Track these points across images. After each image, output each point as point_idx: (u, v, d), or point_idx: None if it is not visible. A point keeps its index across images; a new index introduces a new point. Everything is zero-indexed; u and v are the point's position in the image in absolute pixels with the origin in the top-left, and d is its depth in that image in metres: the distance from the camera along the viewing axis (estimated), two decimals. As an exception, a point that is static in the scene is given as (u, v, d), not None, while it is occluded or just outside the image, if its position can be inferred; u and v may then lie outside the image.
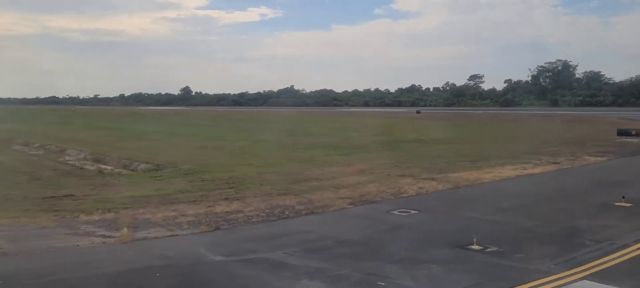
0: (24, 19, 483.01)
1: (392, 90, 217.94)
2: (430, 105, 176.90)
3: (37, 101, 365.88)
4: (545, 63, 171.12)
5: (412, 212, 14.56)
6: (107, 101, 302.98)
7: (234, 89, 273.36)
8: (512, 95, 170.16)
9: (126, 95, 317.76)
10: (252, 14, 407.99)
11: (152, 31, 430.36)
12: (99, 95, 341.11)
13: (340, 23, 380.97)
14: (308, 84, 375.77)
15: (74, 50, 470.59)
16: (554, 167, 23.81)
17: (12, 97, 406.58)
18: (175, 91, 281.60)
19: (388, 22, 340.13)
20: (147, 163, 28.99)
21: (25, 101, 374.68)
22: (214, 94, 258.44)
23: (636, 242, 11.08)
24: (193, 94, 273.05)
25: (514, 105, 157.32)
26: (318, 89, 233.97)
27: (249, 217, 13.98)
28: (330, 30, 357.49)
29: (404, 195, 17.18)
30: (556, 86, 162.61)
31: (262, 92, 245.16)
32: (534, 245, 11.08)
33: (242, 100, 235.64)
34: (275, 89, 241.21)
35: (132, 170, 28.11)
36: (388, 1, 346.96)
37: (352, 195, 17.04)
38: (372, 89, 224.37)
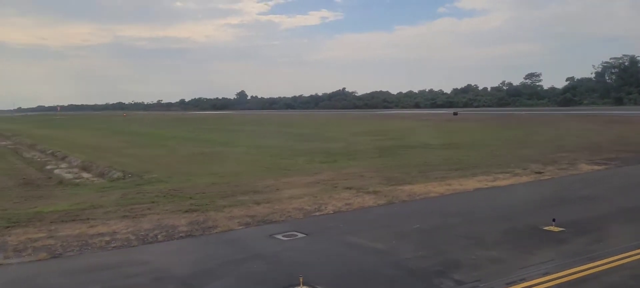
0: (98, 29, 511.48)
1: (448, 90, 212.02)
2: (482, 106, 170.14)
3: (105, 107, 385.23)
4: (610, 58, 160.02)
5: (299, 235, 12.71)
6: (167, 106, 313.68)
7: (290, 93, 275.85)
8: (572, 93, 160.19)
9: (186, 100, 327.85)
10: (313, 18, 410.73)
11: (216, 37, 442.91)
12: (162, 100, 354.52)
13: (402, 24, 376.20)
14: (362, 87, 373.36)
15: (143, 58, 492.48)
16: (531, 178, 20.98)
17: (85, 103, 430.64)
18: (232, 95, 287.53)
19: (451, 21, 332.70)
20: (121, 171, 28.49)
21: (95, 107, 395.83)
22: (268, 98, 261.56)
23: (507, 285, 8.79)
24: (248, 97, 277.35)
25: (573, 104, 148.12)
26: (371, 91, 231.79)
27: (108, 242, 12.59)
28: (392, 31, 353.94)
29: (318, 213, 15.28)
30: (622, 83, 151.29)
31: (314, 94, 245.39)
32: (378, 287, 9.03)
33: (294, 103, 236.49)
34: (328, 91, 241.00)
35: (105, 179, 27.73)
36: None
37: (259, 213, 15.31)
38: (427, 90, 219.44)
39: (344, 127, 66.21)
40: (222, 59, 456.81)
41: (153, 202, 17.90)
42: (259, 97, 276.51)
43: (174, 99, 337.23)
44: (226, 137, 54.08)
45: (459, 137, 45.47)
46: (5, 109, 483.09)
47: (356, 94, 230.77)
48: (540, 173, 21.91)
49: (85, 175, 30.23)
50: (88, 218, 15.30)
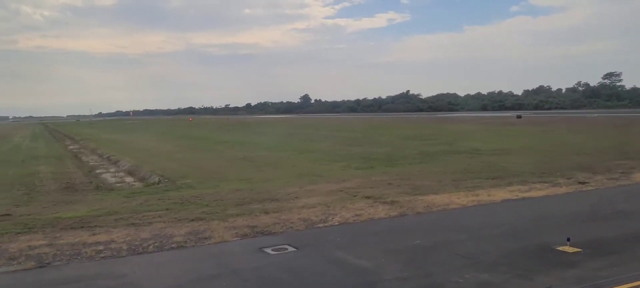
0: (173, 37, 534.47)
1: (518, 92, 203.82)
2: (554, 108, 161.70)
3: (177, 111, 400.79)
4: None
5: (289, 249, 12.12)
6: (234, 110, 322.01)
7: (353, 96, 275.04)
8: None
9: (252, 104, 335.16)
10: (380, 20, 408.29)
11: (283, 42, 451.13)
12: (229, 104, 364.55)
13: (472, 24, 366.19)
14: (428, 89, 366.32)
15: (213, 64, 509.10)
16: (571, 188, 19.17)
17: (158, 108, 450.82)
18: (296, 99, 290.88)
19: (526, 20, 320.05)
20: (160, 176, 29.03)
21: (168, 112, 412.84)
22: (331, 101, 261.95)
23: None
24: (312, 101, 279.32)
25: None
26: (437, 93, 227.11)
27: (99, 252, 12.53)
28: (461, 31, 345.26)
29: (321, 224, 14.59)
30: None
31: (377, 97, 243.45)
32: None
33: (357, 107, 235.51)
34: (393, 94, 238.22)
35: (142, 184, 28.38)
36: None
37: (262, 223, 14.83)
38: (496, 92, 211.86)
39: (398, 131, 64.72)
40: (288, 63, 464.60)
41: (167, 210, 17.89)
42: (323, 100, 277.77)
43: (241, 103, 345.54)
44: (276, 141, 54.22)
45: (514, 141, 43.03)
46: (87, 113, 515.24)
47: (421, 97, 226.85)
48: (584, 183, 20.02)
49: (128, 179, 31.07)
50: (96, 226, 15.44)
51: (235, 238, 13.43)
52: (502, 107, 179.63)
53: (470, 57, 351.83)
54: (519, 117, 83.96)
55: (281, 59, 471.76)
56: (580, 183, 20.11)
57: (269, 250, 12.09)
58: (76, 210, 18.78)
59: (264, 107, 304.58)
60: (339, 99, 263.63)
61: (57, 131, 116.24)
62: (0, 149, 55.08)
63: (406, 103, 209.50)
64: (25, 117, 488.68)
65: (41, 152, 49.83)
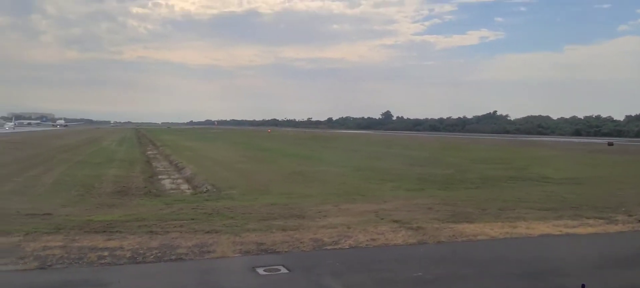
0: (263, 51, 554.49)
1: (619, 117, 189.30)
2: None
3: (261, 123, 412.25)
4: None
5: (281, 270, 11.63)
6: (315, 124, 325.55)
7: (439, 114, 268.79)
8: None
9: (334, 118, 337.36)
10: (471, 38, 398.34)
11: (369, 58, 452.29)
12: (311, 118, 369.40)
13: (574, 43, 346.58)
14: (518, 110, 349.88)
15: (300, 77, 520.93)
16: (627, 227, 16.98)
17: (245, 118, 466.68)
18: (377, 115, 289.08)
19: (635, 40, 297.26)
20: (211, 185, 29.63)
21: (253, 123, 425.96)
22: (413, 119, 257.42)
23: None
24: (394, 118, 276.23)
25: None
26: (526, 115, 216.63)
27: (101, 257, 12.73)
28: (560, 51, 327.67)
29: (330, 246, 13.91)
30: None
31: (462, 117, 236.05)
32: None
33: (440, 125, 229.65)
34: (479, 114, 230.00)
35: (194, 191, 29.10)
36: (636, 16, 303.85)
37: (271, 241, 14.41)
38: (594, 116, 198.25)
39: (472, 153, 61.98)
40: (373, 78, 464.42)
41: (192, 219, 18.01)
42: (405, 117, 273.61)
43: (323, 117, 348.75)
44: (340, 157, 53.84)
45: (592, 171, 39.62)
46: (180, 121, 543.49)
47: (508, 118, 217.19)
48: (644, 222, 17.78)
49: (183, 186, 32.02)
50: (117, 231, 15.76)
51: (237, 255, 13.12)
52: (598, 133, 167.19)
53: (568, 78, 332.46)
54: (610, 144, 77.47)
55: (366, 74, 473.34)
56: (639, 222, 17.87)
57: (260, 270, 11.66)
58: (111, 214, 19.46)
59: (344, 122, 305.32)
60: (422, 117, 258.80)
61: (145, 137, 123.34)
62: (85, 151, 59.09)
63: (492, 124, 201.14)
64: (125, 122, 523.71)
65: (119, 156, 52.80)
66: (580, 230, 16.43)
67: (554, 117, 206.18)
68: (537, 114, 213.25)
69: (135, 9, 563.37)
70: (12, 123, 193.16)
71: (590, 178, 33.74)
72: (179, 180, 34.84)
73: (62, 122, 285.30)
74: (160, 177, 37.00)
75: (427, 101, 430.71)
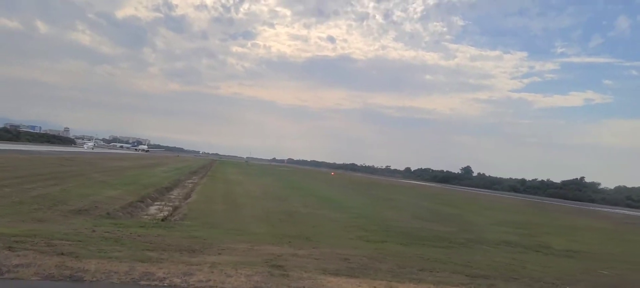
0: (351, 95, 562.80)
1: None
2: None
3: (339, 166, 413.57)
4: None
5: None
6: (391, 172, 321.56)
7: (524, 174, 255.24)
8: None
9: (412, 169, 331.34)
10: (575, 99, 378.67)
11: (461, 111, 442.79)
12: (390, 166, 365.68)
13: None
14: (613, 179, 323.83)
15: (386, 125, 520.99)
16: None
17: (325, 160, 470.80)
18: (457, 169, 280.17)
19: None
20: (184, 215, 29.43)
21: (331, 165, 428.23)
22: (495, 177, 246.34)
23: None
24: (474, 174, 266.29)
25: None
26: (619, 184, 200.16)
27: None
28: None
29: (146, 282, 12.80)
30: None
31: (546, 180, 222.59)
32: None
33: (520, 186, 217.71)
34: (567, 179, 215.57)
35: (162, 218, 29.01)
36: None
37: (103, 268, 13.57)
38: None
39: (509, 216, 57.15)
40: (462, 132, 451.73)
41: (80, 241, 17.53)
42: (487, 174, 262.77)
43: (402, 166, 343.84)
44: (359, 204, 51.98)
45: (609, 246, 35.00)
46: (263, 157, 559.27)
47: (599, 185, 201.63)
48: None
49: (161, 214, 32.03)
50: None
51: (36, 278, 12.40)
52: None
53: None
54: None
55: (456, 127, 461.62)
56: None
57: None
58: (18, 227, 19.44)
59: (422, 173, 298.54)
60: (506, 176, 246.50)
61: (210, 167, 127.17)
62: (122, 173, 61.13)
63: (576, 191, 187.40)
64: (213, 154, 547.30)
65: (147, 181, 53.86)
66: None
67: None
68: (631, 186, 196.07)
69: (235, 48, 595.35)
70: (92, 143, 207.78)
71: (594, 253, 29.57)
72: (167, 207, 34.90)
73: (144, 147, 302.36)
74: (154, 202, 37.37)
75: (515, 160, 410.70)
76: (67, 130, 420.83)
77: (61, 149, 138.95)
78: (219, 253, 17.65)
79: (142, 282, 12.57)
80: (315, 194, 58.82)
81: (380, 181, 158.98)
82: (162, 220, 27.47)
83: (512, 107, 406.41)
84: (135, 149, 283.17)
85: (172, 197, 43.20)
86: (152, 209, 33.36)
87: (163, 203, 37.50)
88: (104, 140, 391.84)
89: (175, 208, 34.69)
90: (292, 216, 33.48)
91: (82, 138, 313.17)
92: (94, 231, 19.61)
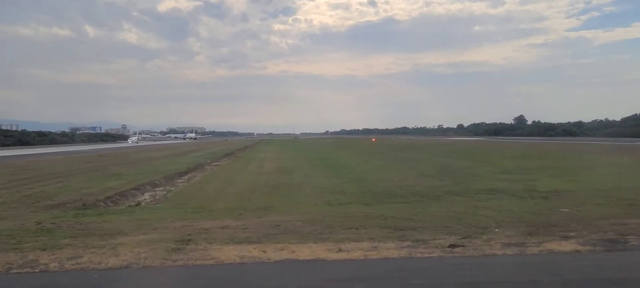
0: (400, 58, 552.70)
1: None
2: None
3: (391, 131, 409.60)
4: None
5: None
6: (444, 131, 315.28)
7: (587, 116, 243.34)
8: None
9: (465, 125, 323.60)
10: (639, 30, 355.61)
11: (515, 59, 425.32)
12: (442, 125, 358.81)
13: None
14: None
15: (437, 84, 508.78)
16: (426, 252, 13.55)
17: (377, 127, 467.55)
18: (510, 120, 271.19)
19: None
20: (170, 196, 30.09)
21: (383, 131, 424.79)
22: (546, 123, 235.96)
23: None
24: (528, 122, 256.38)
25: None
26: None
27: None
28: None
29: (17, 270, 13.14)
30: None
31: (603, 120, 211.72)
32: None
33: (577, 129, 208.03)
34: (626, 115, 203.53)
35: (146, 204, 29.75)
36: None
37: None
38: None
39: (525, 162, 54.55)
40: (519, 81, 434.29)
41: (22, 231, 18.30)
42: (543, 122, 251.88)
43: (454, 124, 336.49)
44: (374, 167, 51.28)
45: (613, 182, 32.82)
46: (316, 132, 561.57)
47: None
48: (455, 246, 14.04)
49: (151, 199, 32.86)
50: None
51: None
52: None
53: None
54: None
55: (511, 76, 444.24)
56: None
57: None
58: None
59: (475, 129, 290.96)
60: (565, 121, 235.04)
61: (250, 148, 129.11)
62: (147, 163, 63.14)
63: (634, 127, 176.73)
64: (266, 134, 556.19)
65: (170, 168, 54.88)
66: (389, 254, 13.50)
67: None
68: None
69: (276, 26, 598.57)
70: (136, 137, 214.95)
71: (580, 191, 27.66)
72: (162, 193, 35.65)
73: (192, 135, 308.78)
74: (154, 188, 38.30)
75: (575, 103, 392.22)
76: (124, 127, 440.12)
77: (105, 146, 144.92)
78: (143, 234, 17.85)
79: (14, 271, 12.91)
80: (329, 164, 58.35)
81: (419, 141, 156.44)
82: (136, 205, 28.12)
83: (570, 48, 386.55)
84: (183, 138, 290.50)
85: (180, 182, 44.08)
86: (146, 196, 34.15)
87: (162, 188, 38.35)
88: (161, 132, 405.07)
89: (168, 192, 35.47)
90: (277, 188, 33.43)
91: (138, 133, 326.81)
92: (39, 224, 20.25)
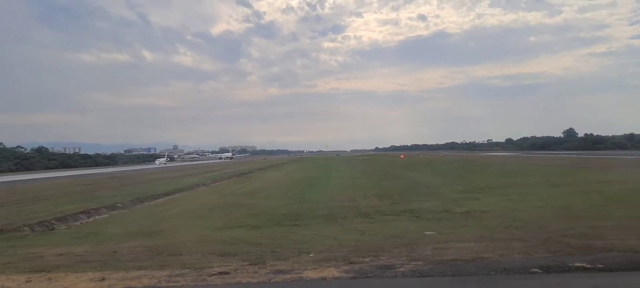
0: (451, 72, 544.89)
1: None
2: None
3: (440, 146, 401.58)
4: None
5: None
6: (491, 146, 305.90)
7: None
8: None
9: (514, 139, 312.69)
10: None
11: (575, 69, 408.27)
12: (491, 139, 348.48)
13: None
14: None
15: (491, 97, 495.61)
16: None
17: (426, 143, 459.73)
18: (558, 133, 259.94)
19: None
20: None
21: (430, 147, 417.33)
22: (600, 136, 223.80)
23: None
24: (578, 135, 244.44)
25: None
26: None
27: None
28: None
29: None
30: None
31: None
32: None
33: (626, 143, 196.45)
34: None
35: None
36: None
37: None
38: None
39: (504, 179, 51.86)
40: (578, 92, 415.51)
41: None
42: (595, 134, 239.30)
43: (502, 138, 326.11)
44: (358, 185, 50.46)
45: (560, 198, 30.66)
46: (366, 148, 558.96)
47: None
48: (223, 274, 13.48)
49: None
50: None
51: None
52: None
53: None
54: None
55: (571, 87, 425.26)
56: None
57: None
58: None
59: (522, 143, 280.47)
60: (619, 132, 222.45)
61: (277, 167, 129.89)
62: (128, 188, 64.94)
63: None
64: (317, 152, 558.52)
65: (151, 191, 56.37)
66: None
67: None
68: None
69: (326, 44, 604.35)
70: (164, 159, 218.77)
71: (495, 211, 25.99)
72: (104, 216, 36.44)
73: (228, 154, 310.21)
74: (110, 211, 39.15)
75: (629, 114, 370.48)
76: (175, 147, 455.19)
77: (125, 169, 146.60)
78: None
79: None
80: (322, 184, 57.46)
81: (446, 157, 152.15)
82: (50, 230, 29.03)
83: (636, 56, 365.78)
84: (219, 158, 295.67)
85: (138, 206, 44.32)
86: (90, 220, 34.88)
87: (110, 213, 38.82)
88: (212, 152, 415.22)
89: (111, 216, 36.30)
90: (221, 209, 33.81)
91: (193, 153, 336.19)
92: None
